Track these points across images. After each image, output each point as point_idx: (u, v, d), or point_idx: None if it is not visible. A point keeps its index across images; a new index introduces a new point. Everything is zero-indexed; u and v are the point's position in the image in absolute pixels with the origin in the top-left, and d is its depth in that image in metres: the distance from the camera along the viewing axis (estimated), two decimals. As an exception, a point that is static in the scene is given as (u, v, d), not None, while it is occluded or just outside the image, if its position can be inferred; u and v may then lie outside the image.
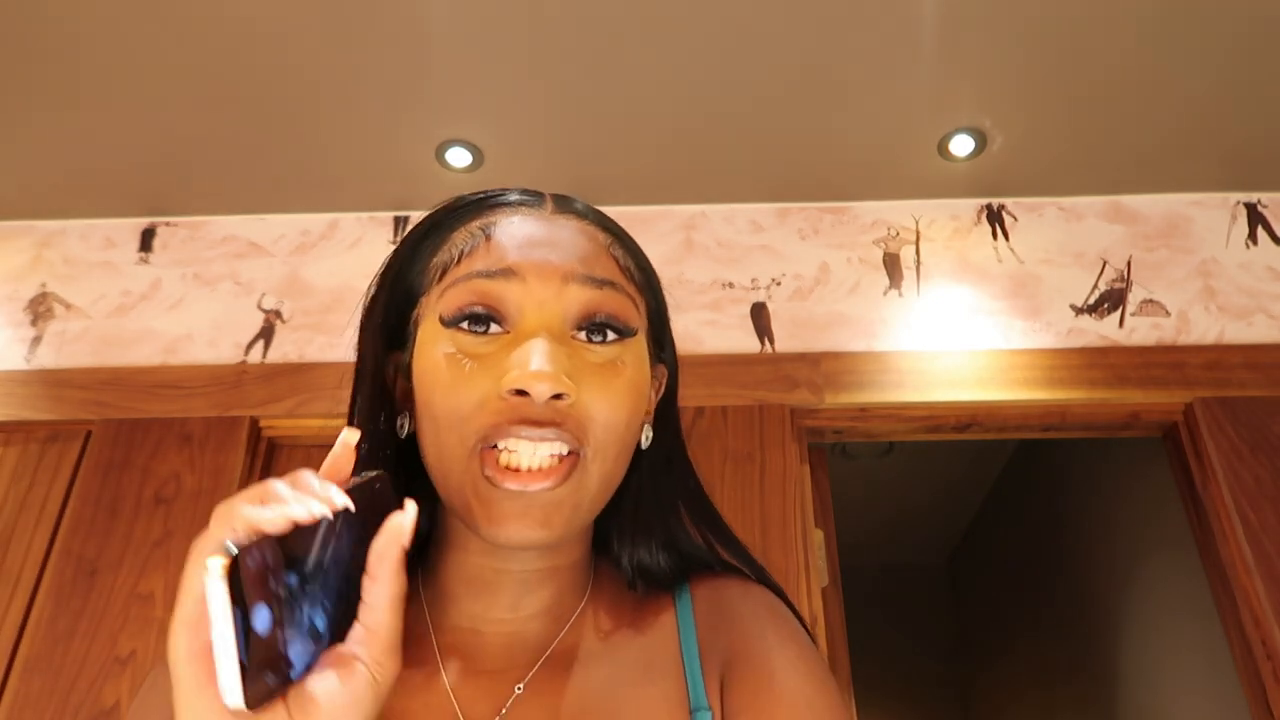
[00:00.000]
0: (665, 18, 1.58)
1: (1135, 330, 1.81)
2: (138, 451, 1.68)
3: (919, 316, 1.84)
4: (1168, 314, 1.82)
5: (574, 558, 0.64)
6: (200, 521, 1.62)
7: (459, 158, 1.85)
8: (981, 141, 1.83)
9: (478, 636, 0.61)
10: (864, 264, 1.91)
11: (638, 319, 0.61)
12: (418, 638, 0.61)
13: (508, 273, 0.57)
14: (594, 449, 0.56)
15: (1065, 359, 1.75)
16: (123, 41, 1.61)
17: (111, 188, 1.93)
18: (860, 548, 3.88)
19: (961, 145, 1.83)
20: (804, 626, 0.65)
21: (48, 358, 1.83)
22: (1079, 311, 1.83)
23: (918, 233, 1.95)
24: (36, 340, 1.86)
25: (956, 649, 3.94)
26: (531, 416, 0.54)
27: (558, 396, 0.54)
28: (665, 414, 0.68)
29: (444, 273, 0.59)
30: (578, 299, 0.58)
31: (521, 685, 0.59)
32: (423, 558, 0.65)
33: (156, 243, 1.98)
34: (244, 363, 1.80)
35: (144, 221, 2.01)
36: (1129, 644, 2.57)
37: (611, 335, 0.59)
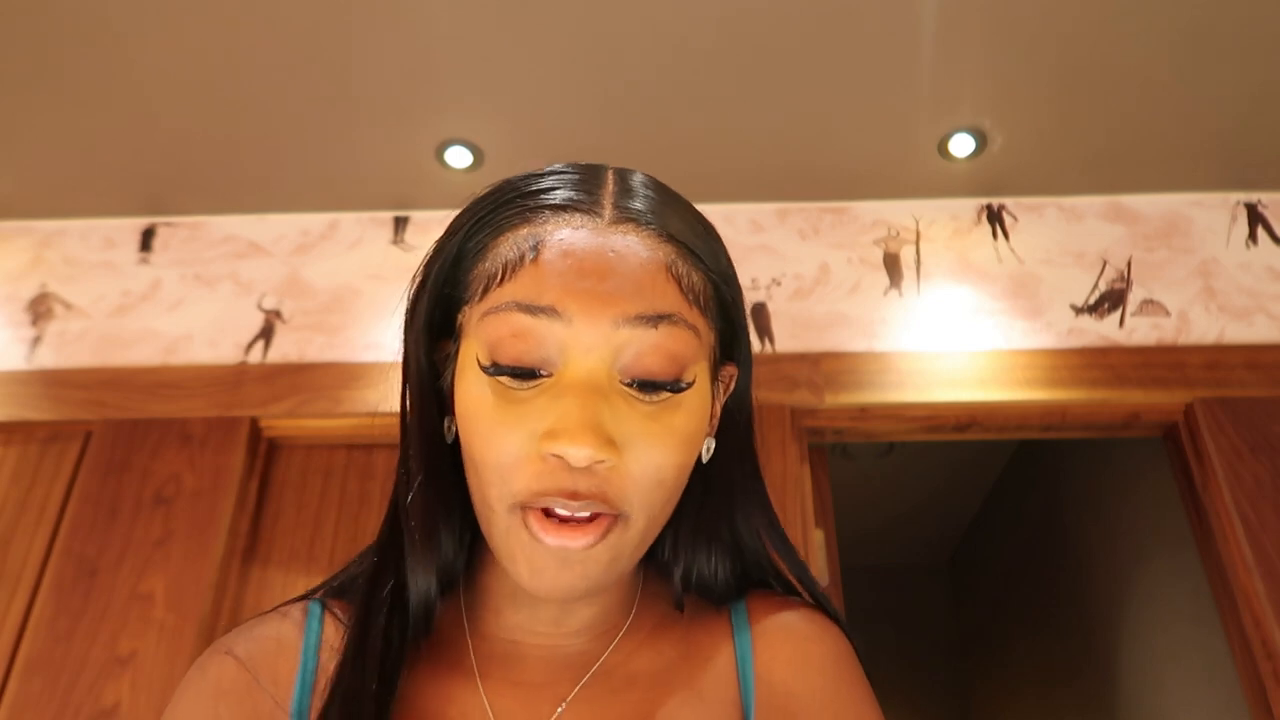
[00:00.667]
0: (665, 18, 1.58)
1: (1135, 330, 1.81)
2: (138, 452, 1.68)
3: (919, 316, 1.84)
4: (1168, 314, 1.82)
5: (624, 578, 0.61)
6: (200, 521, 1.63)
7: (459, 158, 1.85)
8: (981, 141, 1.83)
9: (517, 648, 0.59)
10: (864, 264, 1.91)
11: (696, 351, 0.54)
12: (455, 643, 0.59)
13: (551, 311, 0.51)
14: (638, 507, 0.53)
15: (1065, 359, 1.75)
16: (123, 42, 1.61)
17: (111, 188, 1.93)
18: (860, 548, 3.89)
19: (961, 145, 1.83)
20: (861, 664, 0.63)
21: (48, 358, 1.83)
22: (1079, 311, 1.83)
23: (918, 233, 1.95)
24: (36, 340, 1.86)
25: (956, 649, 3.94)
26: (570, 487, 0.50)
27: (599, 460, 0.50)
28: (733, 416, 0.63)
29: (486, 289, 0.54)
30: (629, 344, 0.52)
31: (564, 704, 0.56)
32: (465, 565, 0.62)
33: (156, 243, 1.98)
34: (244, 363, 1.80)
35: (144, 221, 2.01)
36: (1129, 643, 2.57)
37: (661, 393, 0.53)
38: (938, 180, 1.93)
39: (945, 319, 1.83)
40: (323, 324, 1.85)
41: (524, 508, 0.51)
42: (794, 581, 0.66)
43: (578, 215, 0.54)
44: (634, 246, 0.53)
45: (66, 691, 1.48)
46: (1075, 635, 2.91)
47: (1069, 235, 1.93)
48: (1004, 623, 3.51)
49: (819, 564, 1.61)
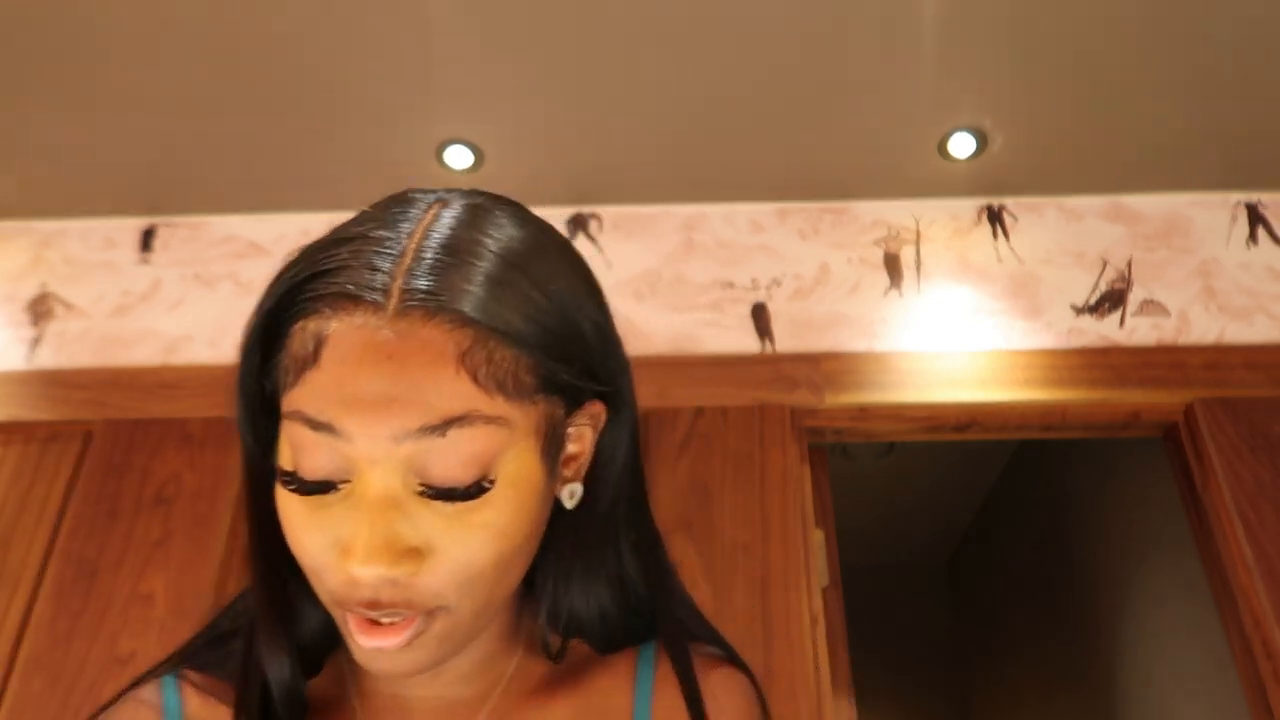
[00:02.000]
0: (666, 18, 1.58)
1: (1135, 330, 1.81)
2: (138, 452, 1.68)
3: (919, 316, 1.84)
4: (1168, 314, 1.83)
5: (499, 626, 0.59)
6: (200, 521, 1.63)
7: (459, 158, 1.85)
8: (981, 141, 1.83)
9: (400, 701, 0.58)
10: (864, 264, 1.91)
11: (505, 440, 0.50)
12: (340, 704, 0.58)
13: (330, 429, 0.48)
14: (456, 599, 0.50)
15: (1065, 359, 1.75)
16: (123, 42, 1.61)
17: (111, 188, 1.93)
18: (860, 548, 3.89)
19: (961, 145, 1.83)
20: (767, 714, 0.62)
21: (48, 358, 1.83)
22: (1079, 311, 1.83)
23: (918, 233, 1.95)
24: (36, 340, 1.86)
25: (956, 649, 3.94)
26: (370, 598, 0.49)
27: (391, 577, 0.49)
28: (610, 453, 0.60)
29: (286, 385, 0.51)
30: (416, 455, 0.48)
31: None
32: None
33: (157, 243, 1.98)
34: (244, 363, 1.80)
35: (144, 221, 2.01)
36: (1129, 643, 2.57)
37: (463, 500, 0.50)
38: (938, 180, 1.93)
39: (945, 319, 1.83)
40: (323, 324, 1.85)
41: (341, 607, 0.50)
42: (699, 631, 0.64)
43: (359, 309, 0.49)
44: (417, 345, 0.48)
45: (66, 691, 1.48)
46: (1075, 634, 2.91)
47: (1069, 235, 1.93)
48: (1004, 622, 3.51)
49: (819, 564, 1.62)
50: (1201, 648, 2.18)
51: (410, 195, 0.56)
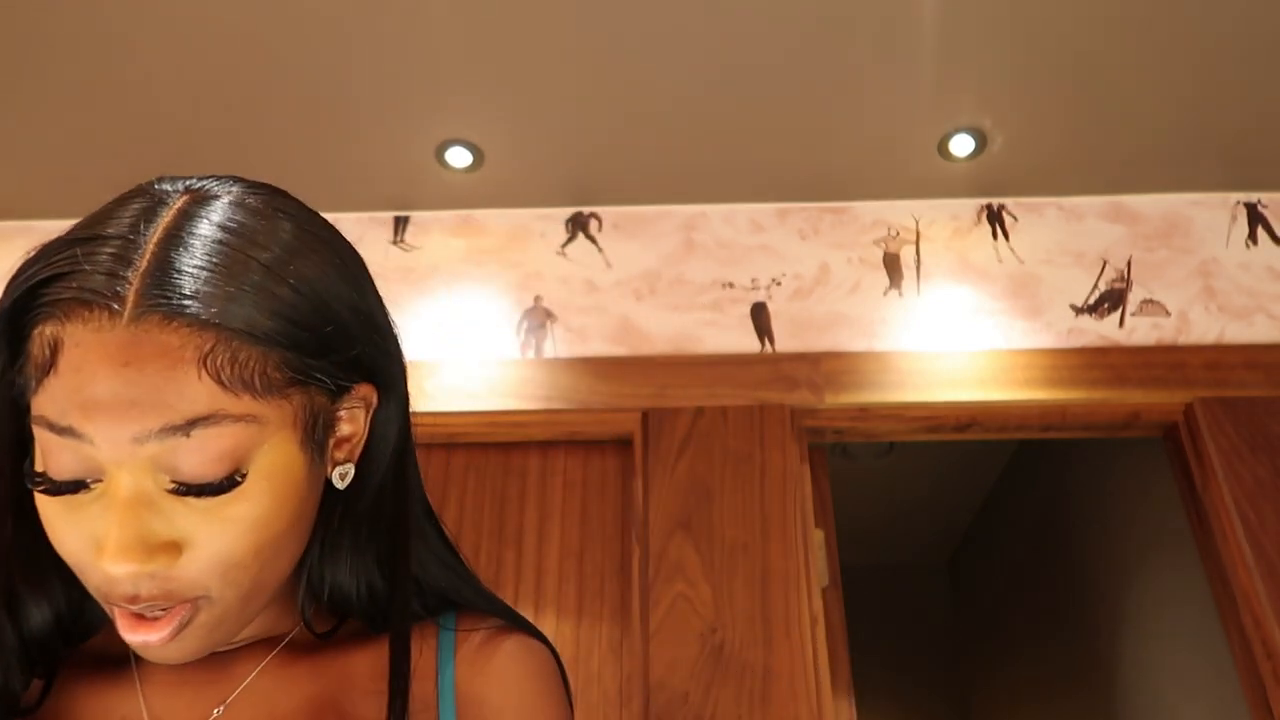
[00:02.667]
0: (665, 18, 1.58)
1: (1135, 330, 1.81)
2: (138, 451, 1.68)
3: (919, 316, 1.84)
4: (1168, 314, 1.83)
5: (275, 595, 0.58)
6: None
7: (459, 158, 1.85)
8: (981, 141, 1.83)
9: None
10: (864, 264, 1.91)
11: (256, 435, 0.50)
12: (118, 653, 0.59)
13: (72, 432, 0.48)
14: (219, 588, 0.51)
15: (1065, 359, 1.75)
16: (123, 42, 1.61)
17: (111, 188, 1.93)
18: (860, 548, 3.89)
19: (961, 145, 1.84)
20: (567, 687, 0.64)
21: (48, 358, 1.83)
22: (1079, 311, 1.83)
23: (918, 233, 1.95)
24: (36, 340, 1.86)
25: (956, 649, 3.94)
26: (130, 593, 0.49)
27: (145, 573, 0.49)
28: (381, 431, 0.60)
29: (30, 390, 0.50)
30: (162, 455, 0.48)
31: (223, 706, 0.56)
32: None
33: (156, 243, 1.98)
34: (244, 363, 1.80)
35: (144, 221, 2.01)
36: (1129, 642, 2.57)
37: (214, 495, 0.49)
38: (938, 180, 1.93)
39: (945, 319, 1.83)
40: (323, 324, 1.85)
41: (106, 601, 0.50)
42: (485, 602, 0.66)
43: (95, 315, 0.47)
44: (156, 350, 0.47)
45: (66, 691, 1.47)
46: (1075, 634, 2.91)
47: (1069, 235, 1.93)
48: (1004, 622, 3.51)
49: (819, 564, 1.62)
50: (1201, 648, 2.18)
51: (155, 188, 0.54)
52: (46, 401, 0.48)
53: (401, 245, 1.96)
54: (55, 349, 0.48)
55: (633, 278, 1.90)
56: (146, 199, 0.52)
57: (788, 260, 1.92)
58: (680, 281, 1.89)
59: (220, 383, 0.48)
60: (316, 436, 0.54)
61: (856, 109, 1.76)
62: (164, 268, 0.48)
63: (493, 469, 1.71)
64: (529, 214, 1.98)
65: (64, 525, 0.50)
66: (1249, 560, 1.54)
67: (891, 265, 1.91)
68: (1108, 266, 1.89)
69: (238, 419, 0.49)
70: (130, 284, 0.48)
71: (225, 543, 0.50)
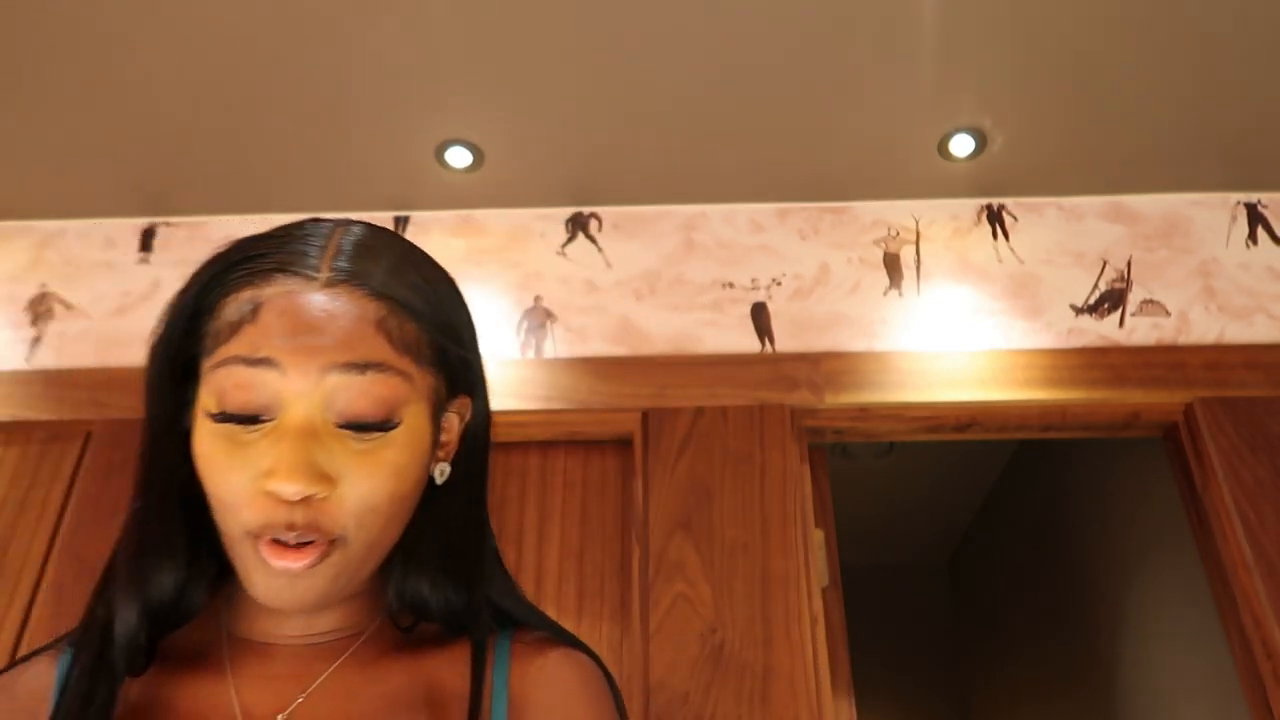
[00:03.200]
0: (665, 18, 1.58)
1: (1135, 330, 1.81)
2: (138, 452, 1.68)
3: (919, 316, 1.84)
4: (1168, 314, 1.83)
5: (362, 588, 0.66)
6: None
7: (459, 158, 1.85)
8: (981, 141, 1.83)
9: (269, 649, 0.64)
10: (864, 264, 1.91)
11: (408, 394, 0.61)
12: (212, 650, 0.64)
13: (267, 362, 0.58)
14: (354, 529, 0.59)
15: (1065, 359, 1.75)
16: (123, 42, 1.61)
17: (111, 188, 1.93)
18: (860, 548, 3.89)
19: (961, 145, 1.84)
20: (618, 700, 0.68)
21: (48, 358, 1.83)
22: (1079, 311, 1.83)
23: (918, 233, 1.95)
24: (36, 340, 1.86)
25: (956, 649, 3.94)
26: (287, 519, 0.57)
27: (309, 493, 0.57)
28: (471, 441, 0.70)
29: (215, 346, 0.60)
30: (338, 390, 0.58)
31: (307, 692, 0.62)
32: (225, 577, 0.67)
33: (156, 243, 1.98)
34: (244, 363, 1.80)
35: (144, 221, 2.01)
36: (1129, 642, 2.57)
37: (372, 433, 0.59)
38: (938, 180, 1.93)
39: (945, 319, 1.83)
40: (323, 324, 1.85)
41: (254, 537, 0.58)
42: (543, 622, 0.71)
43: (294, 279, 0.59)
44: (344, 305, 0.59)
45: (66, 691, 1.48)
46: (1075, 634, 2.91)
47: (1069, 235, 1.93)
48: (1004, 622, 3.52)
49: (819, 564, 1.62)
50: (1201, 648, 2.18)
51: (314, 219, 0.66)
52: (242, 344, 0.58)
53: (401, 245, 1.96)
54: (255, 306, 0.59)
55: (633, 278, 1.90)
56: (312, 223, 0.64)
57: (788, 260, 1.92)
58: (680, 281, 1.89)
59: (390, 342, 0.60)
60: (437, 420, 0.65)
61: (856, 109, 1.76)
62: (344, 254, 0.61)
63: (492, 469, 1.70)
64: (529, 214, 1.98)
65: (230, 460, 0.58)
66: (1249, 560, 1.54)
67: (891, 265, 1.91)
68: (1108, 266, 1.89)
69: (399, 373, 0.60)
70: (322, 260, 0.60)
71: (370, 485, 0.59)
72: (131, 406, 1.74)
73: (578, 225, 1.97)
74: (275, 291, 0.59)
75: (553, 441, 1.73)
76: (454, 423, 0.68)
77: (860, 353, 1.77)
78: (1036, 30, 1.60)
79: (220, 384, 0.58)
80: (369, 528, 0.59)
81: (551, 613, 1.57)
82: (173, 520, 0.63)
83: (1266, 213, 1.95)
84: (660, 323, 1.83)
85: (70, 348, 1.84)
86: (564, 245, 1.95)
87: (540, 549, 1.63)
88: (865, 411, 1.72)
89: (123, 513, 1.69)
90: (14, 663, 0.65)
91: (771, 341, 1.81)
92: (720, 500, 1.60)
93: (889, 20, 1.59)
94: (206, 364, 0.60)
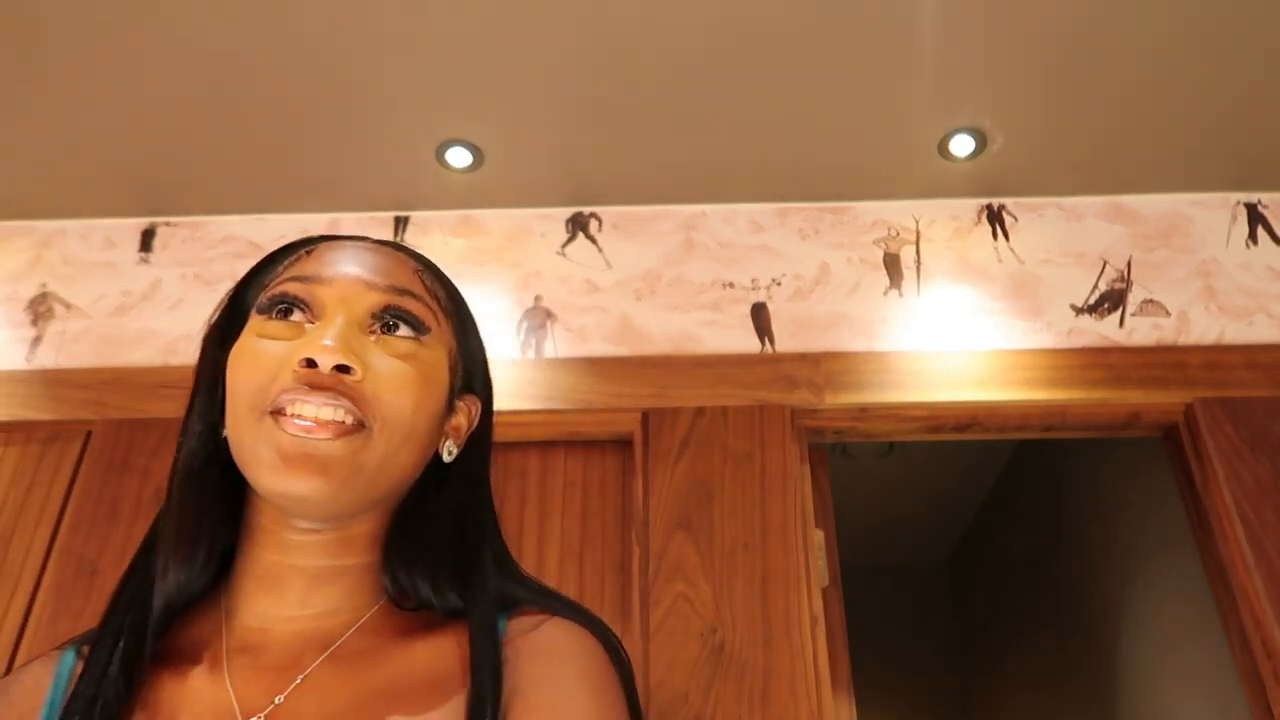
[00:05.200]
0: (665, 18, 1.58)
1: (1135, 330, 1.81)
2: (138, 451, 1.68)
3: (919, 317, 1.84)
4: (1168, 314, 1.82)
5: (364, 560, 0.67)
6: (200, 521, 1.62)
7: (459, 158, 1.85)
8: (981, 141, 1.83)
9: (266, 635, 0.64)
10: (864, 264, 1.91)
11: (436, 329, 0.68)
12: (211, 641, 0.64)
13: (318, 278, 0.65)
14: (379, 424, 0.61)
15: (1065, 359, 1.75)
16: (123, 42, 1.61)
17: (111, 188, 1.93)
18: (860, 548, 3.88)
19: (961, 145, 1.83)
20: (620, 664, 0.65)
21: (48, 358, 1.83)
22: (1079, 311, 1.83)
23: (918, 233, 1.95)
24: (37, 340, 1.86)
25: (956, 649, 3.94)
26: (316, 383, 0.59)
27: (345, 370, 0.60)
28: (476, 443, 0.74)
29: (267, 286, 0.67)
30: (380, 303, 0.65)
31: (302, 676, 0.61)
32: (229, 568, 0.68)
33: (156, 243, 1.98)
34: (244, 363, 1.80)
35: (144, 221, 2.01)
36: (1129, 643, 2.57)
37: (406, 330, 0.65)
38: (938, 180, 1.93)
39: (945, 319, 1.83)
40: (323, 324, 1.85)
41: (275, 413, 0.60)
42: (551, 601, 0.70)
43: (346, 243, 0.70)
44: (388, 254, 0.70)
45: (66, 691, 1.47)
46: (1075, 635, 2.91)
47: (1069, 235, 1.93)
48: (1004, 622, 3.51)
49: (819, 564, 1.61)
50: (1201, 648, 2.18)
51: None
52: (295, 269, 0.67)
53: (401, 245, 1.96)
54: (310, 249, 0.68)
55: (633, 278, 1.90)
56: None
57: (788, 260, 1.92)
58: (680, 281, 1.89)
59: (425, 286, 0.69)
60: (452, 384, 0.70)
61: (856, 109, 1.76)
62: (391, 242, 0.72)
63: (493, 469, 1.70)
64: (529, 214, 1.98)
65: (269, 349, 0.62)
66: (1249, 560, 1.54)
67: (891, 265, 1.91)
68: (1108, 267, 1.89)
69: (429, 308, 0.68)
70: (370, 239, 0.71)
71: (400, 381, 0.63)
72: (132, 406, 1.74)
73: (578, 225, 1.97)
74: (329, 245, 0.69)
75: (553, 441, 1.73)
76: (464, 416, 0.72)
77: (860, 353, 1.77)
78: (1036, 30, 1.60)
79: (268, 293, 0.65)
80: (391, 431, 0.62)
81: (551, 613, 1.57)
82: (209, 485, 0.66)
83: (1267, 213, 1.95)
84: (660, 323, 1.83)
85: (70, 348, 1.84)
86: (564, 245, 1.95)
87: (540, 549, 1.63)
88: (865, 411, 1.72)
89: (123, 513, 1.68)
90: (9, 670, 0.66)
91: (771, 341, 1.81)
92: (720, 500, 1.60)
93: (889, 20, 1.59)
94: (257, 304, 0.66)
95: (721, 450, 1.65)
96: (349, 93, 1.72)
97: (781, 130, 1.81)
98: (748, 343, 1.81)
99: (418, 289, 0.68)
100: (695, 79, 1.69)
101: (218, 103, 1.73)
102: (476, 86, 1.71)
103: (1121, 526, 2.60)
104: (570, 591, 1.60)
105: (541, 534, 1.65)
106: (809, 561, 1.55)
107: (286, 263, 0.68)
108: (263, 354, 0.62)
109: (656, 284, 1.89)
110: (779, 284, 1.88)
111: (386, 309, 0.65)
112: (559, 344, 1.81)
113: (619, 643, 0.66)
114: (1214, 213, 1.95)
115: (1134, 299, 1.85)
